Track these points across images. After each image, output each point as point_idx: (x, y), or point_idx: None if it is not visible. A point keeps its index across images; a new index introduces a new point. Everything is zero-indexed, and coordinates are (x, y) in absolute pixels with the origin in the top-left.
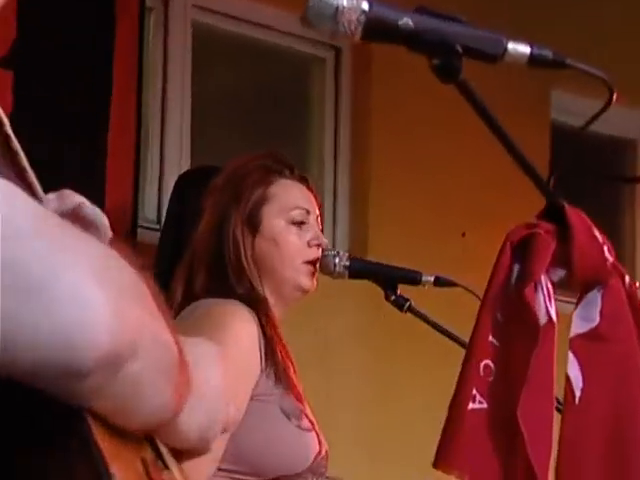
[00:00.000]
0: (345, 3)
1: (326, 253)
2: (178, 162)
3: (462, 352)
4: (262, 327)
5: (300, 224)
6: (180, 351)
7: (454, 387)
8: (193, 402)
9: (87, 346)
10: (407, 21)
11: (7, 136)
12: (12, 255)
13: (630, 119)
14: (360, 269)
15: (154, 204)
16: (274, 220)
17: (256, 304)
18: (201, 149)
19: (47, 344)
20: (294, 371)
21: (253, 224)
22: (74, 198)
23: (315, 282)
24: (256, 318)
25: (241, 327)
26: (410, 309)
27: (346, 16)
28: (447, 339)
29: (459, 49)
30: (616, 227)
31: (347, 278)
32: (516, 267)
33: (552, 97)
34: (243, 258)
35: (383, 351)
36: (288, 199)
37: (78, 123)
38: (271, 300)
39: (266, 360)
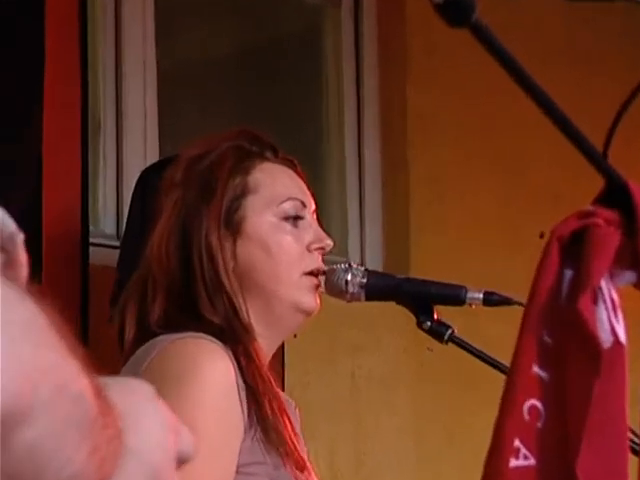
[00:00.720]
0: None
1: (333, 267)
2: (142, 154)
3: None
4: (242, 372)
5: (295, 220)
6: (102, 401)
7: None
8: (128, 465)
9: None
10: None
11: None
12: None
13: None
14: (382, 287)
15: (111, 213)
16: (261, 216)
17: (235, 337)
18: (173, 135)
19: None
20: (292, 430)
21: (233, 224)
22: None
23: (318, 300)
24: (234, 359)
25: (210, 376)
26: (452, 339)
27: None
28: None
29: None
30: None
31: (364, 300)
32: (567, 272)
33: None
34: (222, 272)
35: (432, 402)
36: (276, 188)
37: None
38: (258, 328)
39: (250, 417)
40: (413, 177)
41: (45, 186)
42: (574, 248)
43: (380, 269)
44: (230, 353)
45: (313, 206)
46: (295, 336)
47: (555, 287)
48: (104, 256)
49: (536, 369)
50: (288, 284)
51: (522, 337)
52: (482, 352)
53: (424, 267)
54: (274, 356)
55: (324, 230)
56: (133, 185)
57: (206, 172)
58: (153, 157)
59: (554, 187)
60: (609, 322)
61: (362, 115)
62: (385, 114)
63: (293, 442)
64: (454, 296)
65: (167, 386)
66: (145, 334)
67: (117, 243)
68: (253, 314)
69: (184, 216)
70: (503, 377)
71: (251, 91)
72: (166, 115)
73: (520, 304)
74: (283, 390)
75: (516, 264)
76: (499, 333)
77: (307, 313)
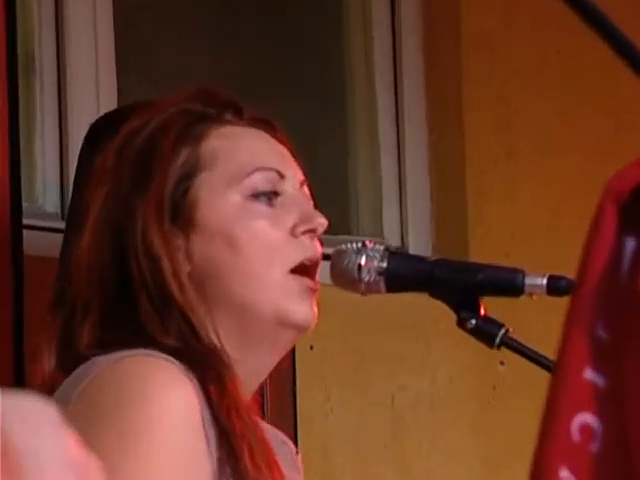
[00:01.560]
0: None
1: (341, 249)
2: (94, 103)
3: None
4: (211, 405)
5: (270, 196)
6: None
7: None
8: None
9: None
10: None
11: None
12: None
13: None
14: (408, 274)
15: (53, 186)
16: (220, 198)
17: (200, 361)
18: (137, 75)
19: None
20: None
21: (181, 213)
22: None
23: (316, 309)
24: (199, 387)
25: (165, 405)
26: (505, 342)
27: None
28: None
29: None
30: None
31: (384, 291)
32: (629, 242)
33: None
34: (170, 280)
35: (505, 428)
36: (239, 156)
37: None
38: (233, 352)
39: (222, 465)
40: (470, 125)
41: None
42: (637, 208)
43: (428, 253)
44: (195, 379)
45: (299, 176)
46: (311, 348)
47: (613, 263)
48: (43, 242)
49: (589, 373)
50: (268, 287)
51: (569, 331)
52: (546, 359)
53: (488, 250)
54: (280, 375)
55: (317, 207)
56: (79, 135)
57: (143, 149)
58: (109, 105)
59: None
60: None
61: (398, 45)
62: (430, 41)
63: None
64: (508, 283)
65: (105, 417)
66: (71, 359)
67: (62, 225)
68: (223, 332)
69: (116, 213)
70: None
71: (249, 16)
72: (127, 49)
73: None
74: (295, 424)
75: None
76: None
77: (299, 327)
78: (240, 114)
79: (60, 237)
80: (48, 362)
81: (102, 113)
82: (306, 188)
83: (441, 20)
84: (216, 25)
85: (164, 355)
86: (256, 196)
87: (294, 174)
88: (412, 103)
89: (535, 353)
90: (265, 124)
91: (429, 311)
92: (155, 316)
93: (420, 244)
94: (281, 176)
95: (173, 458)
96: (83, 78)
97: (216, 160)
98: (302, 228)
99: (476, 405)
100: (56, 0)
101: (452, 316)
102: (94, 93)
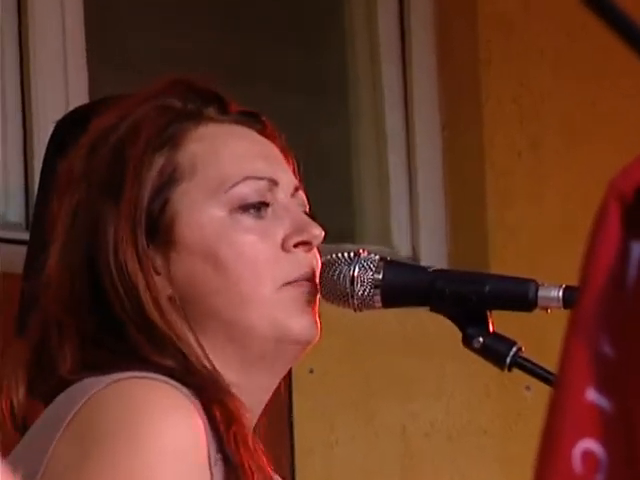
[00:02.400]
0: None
1: (332, 259)
2: (62, 98)
3: None
4: (217, 435)
5: (259, 207)
6: None
7: None
8: None
9: None
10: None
11: None
12: None
13: None
14: (407, 286)
15: (17, 192)
16: (203, 211)
17: (203, 384)
18: (110, 66)
19: None
20: None
21: (160, 230)
22: None
23: (318, 321)
24: (203, 415)
25: (166, 434)
26: (516, 362)
27: None
28: None
29: None
30: None
31: (380, 306)
32: (636, 246)
33: None
34: (149, 308)
35: (523, 465)
36: (223, 163)
37: None
38: (232, 377)
39: None
40: (489, 117)
41: None
42: None
43: (443, 264)
44: (198, 404)
45: (294, 182)
46: (311, 371)
47: (618, 270)
48: (6, 255)
49: (592, 395)
50: (259, 305)
51: (570, 347)
52: (547, 372)
53: (511, 259)
54: (275, 403)
55: (312, 217)
56: (44, 129)
57: (113, 154)
58: (79, 101)
59: None
60: None
61: (407, 27)
62: (443, 24)
63: None
64: (519, 296)
65: (96, 450)
66: (54, 388)
67: (25, 236)
68: (218, 358)
69: (87, 228)
70: None
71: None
72: (98, 36)
73: None
74: (292, 458)
75: None
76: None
77: (301, 342)
78: (224, 109)
79: (24, 250)
80: (16, 392)
81: (68, 108)
82: (301, 193)
83: (456, 2)
84: (207, 7)
85: (163, 377)
86: (243, 208)
87: (287, 180)
88: (423, 94)
89: (548, 373)
90: (253, 119)
91: (443, 328)
92: (144, 340)
93: (433, 253)
94: (273, 184)
95: None
96: (49, 70)
97: (197, 168)
98: (294, 240)
99: (499, 435)
100: None
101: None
102: (62, 87)
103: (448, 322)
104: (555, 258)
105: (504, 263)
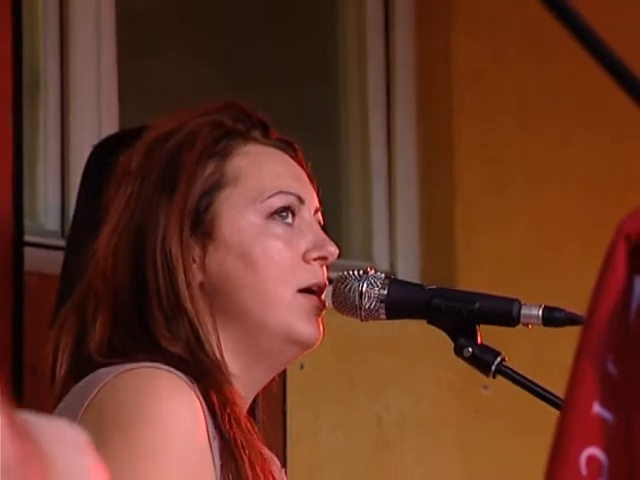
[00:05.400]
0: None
1: (344, 276)
2: (96, 129)
3: None
4: (214, 417)
5: (286, 213)
6: (24, 448)
7: None
8: None
9: None
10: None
11: None
12: None
13: None
14: (408, 302)
15: (54, 205)
16: (241, 215)
17: (203, 372)
18: (138, 104)
19: None
20: None
21: (202, 225)
22: None
23: (321, 328)
24: (202, 399)
25: (171, 418)
26: (500, 370)
27: None
28: None
29: None
30: None
31: (384, 318)
32: (638, 281)
33: None
34: (182, 287)
35: (487, 451)
36: (263, 177)
37: None
38: (235, 366)
39: (224, 473)
40: (460, 155)
41: None
42: None
43: (416, 279)
44: (198, 391)
45: (316, 204)
46: (302, 367)
47: (623, 301)
48: (44, 260)
49: (597, 408)
50: (278, 305)
51: (579, 367)
52: (541, 388)
53: (475, 278)
54: (272, 394)
55: (328, 235)
56: (82, 166)
57: (170, 157)
58: (110, 129)
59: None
60: None
61: (392, 72)
62: (422, 78)
63: None
64: (505, 313)
65: (113, 431)
66: (83, 367)
67: (62, 243)
68: (227, 345)
69: (138, 215)
70: None
71: (244, 39)
72: (129, 72)
73: None
74: (284, 442)
75: (587, 278)
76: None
77: (304, 345)
78: (267, 134)
79: (60, 254)
80: (59, 372)
81: (104, 136)
82: (319, 215)
83: (433, 55)
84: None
85: (168, 367)
86: (275, 218)
87: (312, 200)
88: (404, 134)
89: (530, 382)
90: (288, 146)
91: (416, 335)
92: (164, 323)
93: (408, 270)
94: (301, 201)
95: (180, 470)
96: (86, 101)
97: (240, 178)
98: (314, 255)
99: (459, 426)
100: (61, 23)
101: (436, 339)
102: (96, 116)
103: (420, 329)
104: (515, 282)
105: (469, 283)
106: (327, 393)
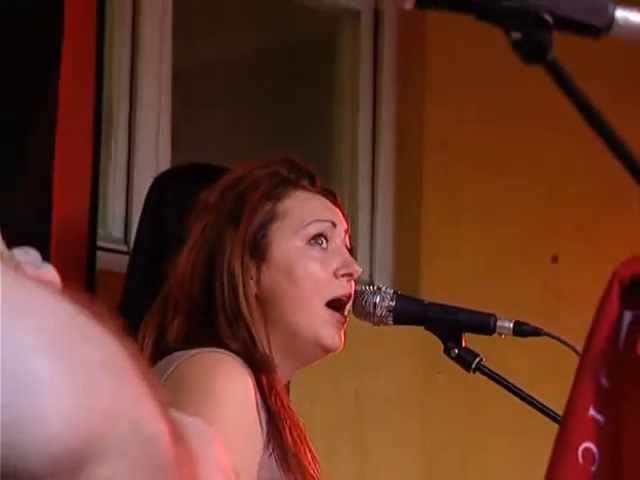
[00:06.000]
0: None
1: (362, 290)
2: (154, 159)
3: (546, 426)
4: (262, 394)
5: (321, 240)
6: (176, 442)
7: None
8: None
9: (37, 445)
10: None
11: None
12: None
13: None
14: (410, 312)
15: (120, 218)
16: (287, 242)
17: (256, 363)
18: (186, 140)
19: None
20: (313, 458)
21: (258, 251)
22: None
23: (343, 337)
24: (254, 379)
25: (231, 390)
26: (479, 367)
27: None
28: (527, 407)
29: (549, 19)
30: None
31: (391, 324)
32: (627, 314)
33: None
34: (242, 298)
35: (440, 425)
36: (304, 212)
37: (12, 104)
38: (277, 358)
39: (269, 439)
40: (427, 198)
41: (56, 187)
42: (635, 290)
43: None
44: (251, 373)
45: (344, 226)
46: None
47: (614, 330)
48: (111, 261)
49: (592, 412)
50: (311, 315)
51: (579, 379)
52: (509, 382)
53: (435, 291)
54: None
55: (353, 256)
56: (143, 188)
57: (238, 197)
58: (165, 161)
59: (570, 213)
60: None
61: (377, 133)
62: (401, 133)
63: (311, 471)
64: (483, 324)
65: (187, 397)
66: (162, 352)
67: (125, 248)
68: (273, 344)
69: (211, 240)
70: (517, 405)
71: (266, 96)
72: (180, 117)
73: (551, 335)
74: None
75: (531, 289)
76: (519, 363)
77: (328, 350)
78: (313, 183)
79: (123, 257)
80: (144, 352)
81: (160, 169)
82: (347, 239)
83: (410, 116)
84: (246, 98)
85: (229, 352)
86: (313, 242)
87: (341, 224)
88: (385, 178)
89: (500, 377)
90: (329, 193)
91: (392, 332)
92: (227, 326)
93: (383, 280)
94: (333, 225)
95: (237, 428)
96: (147, 139)
97: (287, 214)
98: (342, 271)
99: (419, 402)
100: (131, 75)
101: (407, 334)
102: (154, 150)
103: (396, 330)
104: (468, 300)
105: (429, 291)
106: (313, 372)
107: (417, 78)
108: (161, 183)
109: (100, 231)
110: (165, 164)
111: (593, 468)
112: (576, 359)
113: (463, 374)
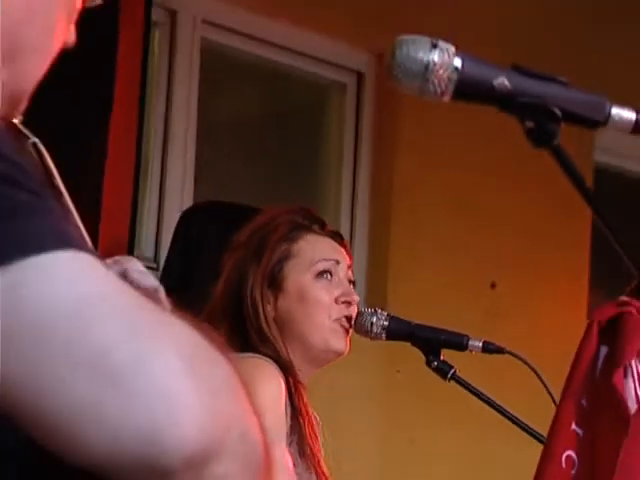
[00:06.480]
0: (436, 59)
1: (362, 311)
2: (180, 194)
3: (482, 415)
4: (289, 392)
5: (327, 275)
6: (267, 450)
7: (478, 457)
8: None
9: (175, 445)
10: (503, 81)
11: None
12: (88, 338)
13: None
14: (400, 330)
15: (151, 240)
16: (299, 276)
17: (284, 366)
18: (205, 181)
19: (131, 440)
20: (319, 449)
21: (276, 282)
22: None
23: (348, 343)
24: (284, 380)
25: (268, 385)
26: (454, 377)
27: (437, 74)
28: (468, 404)
29: (558, 113)
30: None
31: (385, 339)
32: (603, 349)
33: (595, 138)
34: (263, 321)
35: (398, 414)
36: (314, 252)
37: (74, 147)
38: (296, 363)
39: (291, 429)
40: (394, 234)
41: (103, 216)
42: (610, 329)
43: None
44: (282, 374)
45: (347, 262)
46: None
47: (593, 361)
48: None
49: (574, 427)
50: (321, 330)
51: (564, 400)
52: (477, 389)
53: (398, 312)
54: None
55: (354, 286)
56: (171, 219)
57: (262, 238)
58: (188, 198)
59: (508, 244)
60: (635, 392)
61: (356, 184)
62: (376, 182)
63: (319, 458)
64: (458, 343)
65: None
66: None
67: (155, 265)
68: (292, 354)
69: (240, 272)
70: (461, 398)
71: (268, 150)
72: (201, 163)
73: (511, 353)
74: None
75: (472, 311)
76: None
77: (337, 354)
78: (323, 227)
79: (154, 273)
80: None
81: (185, 203)
82: (350, 272)
83: (384, 169)
84: (253, 151)
85: (265, 358)
86: (320, 275)
87: (344, 263)
88: (362, 220)
89: (469, 384)
90: (336, 235)
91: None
92: (257, 338)
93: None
94: (337, 262)
95: (273, 413)
96: (175, 178)
97: (300, 253)
98: (343, 299)
99: (380, 393)
100: (164, 129)
101: (372, 346)
102: (180, 189)
103: (365, 340)
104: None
105: (395, 308)
106: None
107: (391, 137)
108: (187, 217)
109: (136, 252)
110: (188, 200)
111: (573, 471)
112: (527, 371)
113: (418, 373)
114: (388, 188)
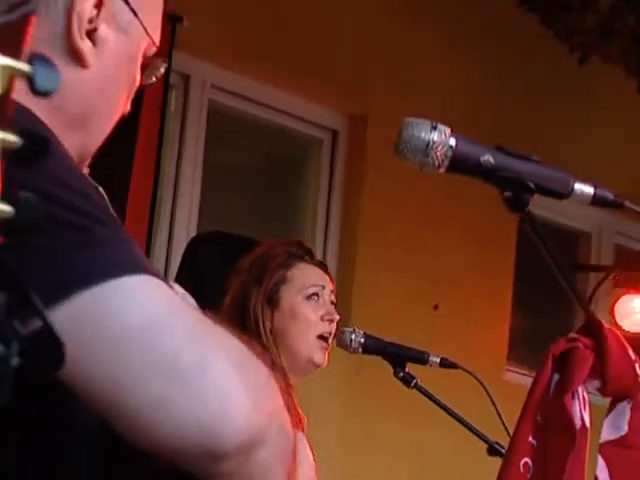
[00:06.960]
0: (435, 138)
1: (343, 329)
2: (187, 226)
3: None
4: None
5: (315, 297)
6: (295, 442)
7: (423, 449)
8: None
9: (229, 434)
10: (488, 158)
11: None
12: (161, 345)
13: (585, 213)
14: (374, 346)
15: (162, 264)
16: (293, 297)
17: (279, 372)
18: (207, 215)
19: (194, 429)
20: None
21: (273, 301)
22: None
23: (326, 357)
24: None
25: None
26: (416, 386)
27: (436, 150)
28: (417, 406)
29: (532, 186)
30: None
31: (361, 353)
32: (556, 376)
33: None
34: (263, 334)
35: (356, 410)
36: (306, 279)
37: (103, 186)
38: (286, 371)
39: None
40: (360, 262)
41: None
42: (562, 360)
43: None
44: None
45: (331, 287)
46: None
47: (547, 385)
48: None
49: (530, 438)
50: (306, 344)
51: (523, 415)
52: (435, 397)
53: (363, 323)
54: None
55: (335, 307)
56: (179, 247)
57: (262, 265)
58: (193, 230)
59: (450, 276)
60: (580, 412)
61: (329, 220)
62: (345, 222)
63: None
64: (420, 358)
65: None
66: None
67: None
68: (283, 361)
69: (244, 293)
70: (407, 396)
71: (260, 192)
72: (205, 202)
73: (464, 370)
74: None
75: (416, 330)
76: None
77: (317, 366)
78: (312, 257)
79: None
80: None
81: (190, 232)
82: (333, 295)
83: (352, 212)
84: (246, 193)
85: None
86: (309, 297)
87: (329, 288)
88: (332, 255)
89: (428, 392)
90: (322, 264)
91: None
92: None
93: None
94: (323, 288)
95: None
96: (183, 214)
97: (293, 278)
98: (326, 317)
99: (343, 392)
100: (176, 172)
101: (333, 348)
102: (187, 222)
103: (336, 349)
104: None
105: (359, 322)
106: None
107: (359, 185)
108: (192, 244)
109: None
110: (193, 230)
111: (529, 475)
112: (474, 383)
113: (373, 376)
114: (355, 227)
